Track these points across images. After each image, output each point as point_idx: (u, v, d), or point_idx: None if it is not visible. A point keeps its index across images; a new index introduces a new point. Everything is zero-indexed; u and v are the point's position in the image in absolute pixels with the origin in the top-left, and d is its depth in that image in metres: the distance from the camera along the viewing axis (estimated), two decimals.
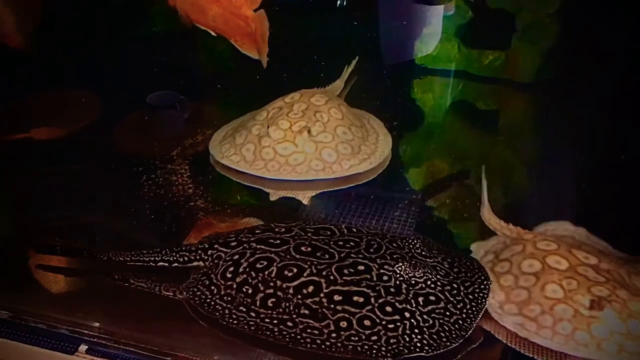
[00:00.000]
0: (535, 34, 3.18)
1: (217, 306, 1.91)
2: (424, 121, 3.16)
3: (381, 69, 3.47)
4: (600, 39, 2.96)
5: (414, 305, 1.86)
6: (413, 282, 1.92)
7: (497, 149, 2.88)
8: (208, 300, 1.93)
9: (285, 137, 2.58)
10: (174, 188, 2.59)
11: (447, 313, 1.87)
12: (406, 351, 1.75)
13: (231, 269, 1.99)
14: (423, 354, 1.75)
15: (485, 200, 2.34)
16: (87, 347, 1.94)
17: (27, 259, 2.27)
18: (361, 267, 1.94)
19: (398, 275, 1.92)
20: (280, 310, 1.86)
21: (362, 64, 3.31)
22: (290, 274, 1.93)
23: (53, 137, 3.00)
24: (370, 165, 2.61)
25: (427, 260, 2.02)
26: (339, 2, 3.50)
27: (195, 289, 1.98)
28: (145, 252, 2.13)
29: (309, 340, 1.78)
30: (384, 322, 1.81)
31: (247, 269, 1.97)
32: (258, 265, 1.97)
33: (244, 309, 1.88)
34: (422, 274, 1.93)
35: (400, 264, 1.94)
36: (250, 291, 1.92)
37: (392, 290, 1.89)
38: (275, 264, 1.96)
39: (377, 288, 1.88)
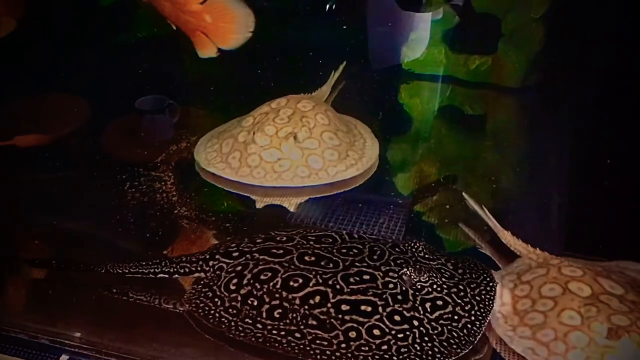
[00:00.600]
0: (521, 38, 3.19)
1: (223, 318, 1.88)
2: (411, 126, 3.16)
3: (368, 73, 3.47)
4: (586, 43, 2.98)
5: (421, 312, 1.85)
6: (419, 287, 1.90)
7: (484, 153, 2.88)
8: (213, 312, 1.90)
9: (271, 143, 2.57)
10: (157, 196, 2.57)
11: (456, 317, 1.86)
12: None
13: (235, 280, 1.97)
14: None
15: (498, 225, 2.25)
16: (68, 357, 1.91)
17: (10, 268, 2.24)
18: (366, 276, 1.93)
19: (404, 282, 1.91)
20: (288, 321, 1.84)
21: (350, 68, 3.30)
22: (295, 285, 1.90)
23: (37, 144, 2.96)
24: (356, 172, 2.60)
25: (431, 263, 2.01)
26: (327, 7, 3.50)
27: (199, 301, 1.94)
28: (144, 263, 2.09)
29: (318, 351, 1.76)
30: (393, 332, 1.80)
31: (252, 281, 1.94)
32: (262, 277, 1.95)
33: (251, 321, 1.86)
34: (427, 278, 1.91)
35: (405, 270, 1.93)
36: (255, 303, 1.89)
37: (399, 297, 1.87)
38: (279, 275, 1.94)
39: (384, 296, 1.87)
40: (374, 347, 1.76)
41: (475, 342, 1.81)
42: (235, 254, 2.06)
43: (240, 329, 1.84)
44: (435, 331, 1.81)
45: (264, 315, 1.86)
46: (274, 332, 1.82)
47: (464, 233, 2.39)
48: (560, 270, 1.99)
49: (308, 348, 1.77)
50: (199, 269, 2.07)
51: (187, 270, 2.08)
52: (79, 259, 2.17)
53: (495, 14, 3.21)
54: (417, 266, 1.95)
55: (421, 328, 1.81)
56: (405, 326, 1.81)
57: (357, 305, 1.84)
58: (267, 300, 1.89)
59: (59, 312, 2.04)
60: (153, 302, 2.04)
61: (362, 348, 1.76)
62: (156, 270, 2.08)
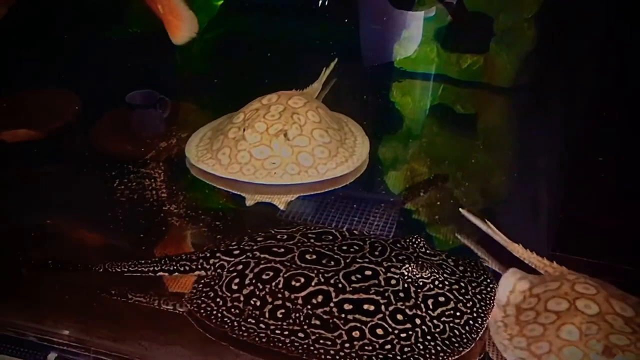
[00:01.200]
0: (513, 38, 3.19)
1: (225, 318, 1.86)
2: (402, 124, 3.16)
3: (360, 71, 3.46)
4: (578, 43, 2.99)
5: (424, 309, 1.86)
6: (421, 283, 1.91)
7: (475, 152, 2.89)
8: (215, 313, 1.89)
9: (261, 140, 2.56)
10: (147, 193, 2.55)
11: (458, 314, 1.86)
12: (422, 359, 1.74)
13: (237, 280, 1.96)
14: None
15: (507, 239, 2.20)
16: (56, 355, 1.90)
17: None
18: (368, 272, 1.93)
19: (406, 278, 1.91)
20: (291, 321, 1.83)
21: (341, 66, 3.30)
22: (297, 284, 1.90)
23: (26, 140, 2.94)
24: (346, 170, 2.59)
25: (433, 259, 2.02)
26: (320, 3, 3.49)
27: (200, 301, 1.93)
28: (143, 262, 2.08)
29: (322, 351, 1.76)
30: (396, 331, 1.80)
31: (254, 281, 1.94)
32: (264, 277, 1.94)
33: (253, 321, 1.85)
34: (429, 274, 1.92)
35: (407, 266, 1.93)
36: (258, 303, 1.88)
37: (401, 295, 1.88)
38: (281, 275, 1.93)
39: (387, 294, 1.87)
40: (377, 346, 1.76)
41: (477, 339, 1.82)
42: (236, 252, 2.06)
43: (244, 329, 1.83)
44: (438, 329, 1.82)
45: (267, 315, 1.85)
46: (278, 332, 1.81)
47: (454, 231, 2.39)
48: (574, 286, 1.94)
49: (312, 348, 1.76)
50: (199, 267, 2.06)
51: (187, 268, 2.06)
52: (68, 255, 2.15)
53: (487, 13, 3.21)
54: (420, 262, 1.95)
55: (423, 327, 1.82)
56: (408, 325, 1.82)
57: (360, 304, 1.84)
58: (269, 300, 1.88)
59: (47, 309, 2.03)
60: (152, 302, 2.03)
61: (366, 348, 1.76)
62: (156, 268, 2.07)
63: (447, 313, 1.86)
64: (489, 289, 1.97)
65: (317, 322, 1.82)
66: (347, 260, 1.98)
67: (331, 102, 3.01)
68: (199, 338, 1.89)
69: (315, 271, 1.93)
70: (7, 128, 2.94)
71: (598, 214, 2.40)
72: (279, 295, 1.88)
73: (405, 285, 1.90)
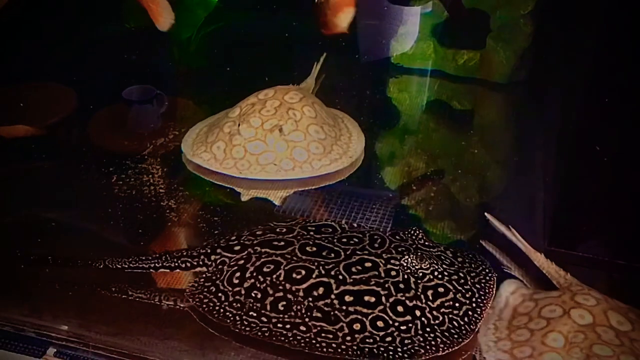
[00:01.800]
0: (509, 34, 3.20)
1: (228, 313, 1.88)
2: (399, 120, 3.16)
3: (357, 67, 3.46)
4: (574, 39, 2.99)
5: (423, 300, 1.87)
6: (420, 274, 1.92)
7: (472, 148, 2.89)
8: (217, 308, 1.90)
9: (256, 135, 2.56)
10: (145, 188, 2.55)
11: (457, 304, 1.88)
12: (422, 351, 1.76)
13: (237, 274, 1.97)
14: (439, 352, 1.76)
15: (529, 247, 2.18)
16: (55, 350, 1.91)
17: None
18: (368, 264, 1.94)
19: (406, 269, 1.92)
20: (292, 314, 1.84)
21: (338, 62, 3.30)
22: (298, 277, 1.91)
23: (24, 136, 2.93)
24: (341, 165, 2.60)
25: (432, 250, 2.04)
26: None
27: (202, 296, 1.94)
28: (144, 258, 2.08)
29: (324, 344, 1.77)
30: (396, 323, 1.81)
31: (254, 274, 1.95)
32: (265, 269, 1.95)
33: (255, 314, 1.86)
34: (428, 265, 1.93)
35: (407, 257, 1.94)
36: (259, 295, 1.89)
37: (401, 286, 1.89)
38: (282, 267, 1.94)
39: (387, 285, 1.88)
40: (378, 339, 1.78)
41: (476, 330, 1.84)
42: (237, 248, 2.06)
43: (246, 323, 1.84)
44: (437, 320, 1.84)
45: (268, 308, 1.86)
46: (279, 325, 1.82)
47: (450, 226, 2.40)
48: (574, 296, 1.92)
49: (314, 341, 1.77)
50: (200, 263, 2.07)
51: (188, 264, 2.07)
52: (65, 251, 2.16)
53: (484, 9, 3.21)
54: (419, 253, 1.97)
55: (423, 318, 1.83)
56: (408, 317, 1.83)
57: (360, 295, 1.86)
58: (271, 292, 1.89)
59: (45, 304, 2.03)
60: (153, 298, 2.03)
61: (367, 340, 1.78)
62: (157, 265, 2.07)
63: (446, 304, 1.88)
64: (487, 279, 1.98)
65: (319, 315, 1.83)
66: (347, 252, 1.99)
67: (328, 97, 3.01)
68: (198, 332, 1.90)
69: (316, 263, 1.94)
70: (4, 124, 2.93)
71: (593, 209, 2.41)
72: (280, 288, 1.89)
73: (405, 277, 1.91)
